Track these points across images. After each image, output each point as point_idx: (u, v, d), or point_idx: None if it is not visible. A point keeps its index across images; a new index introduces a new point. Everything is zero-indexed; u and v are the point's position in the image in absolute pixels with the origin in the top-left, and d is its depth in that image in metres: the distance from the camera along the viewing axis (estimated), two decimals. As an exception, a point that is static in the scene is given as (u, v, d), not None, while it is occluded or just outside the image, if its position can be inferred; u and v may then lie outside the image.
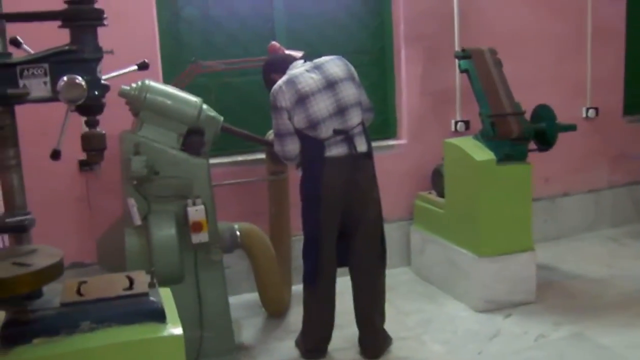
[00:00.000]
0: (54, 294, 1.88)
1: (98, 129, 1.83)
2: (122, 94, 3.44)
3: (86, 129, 1.81)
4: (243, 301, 4.26)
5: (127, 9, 4.10)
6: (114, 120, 3.50)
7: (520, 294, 4.11)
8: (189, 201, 3.41)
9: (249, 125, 4.11)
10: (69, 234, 4.17)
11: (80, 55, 1.74)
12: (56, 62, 1.74)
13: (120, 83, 3.40)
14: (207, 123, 3.54)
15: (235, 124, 3.91)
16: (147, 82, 3.47)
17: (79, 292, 1.85)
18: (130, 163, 3.31)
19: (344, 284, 3.50)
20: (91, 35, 1.75)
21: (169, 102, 3.48)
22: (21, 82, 1.73)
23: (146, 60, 2.01)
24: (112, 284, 1.90)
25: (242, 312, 4.14)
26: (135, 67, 2.01)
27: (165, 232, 3.39)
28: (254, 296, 4.11)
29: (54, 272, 1.62)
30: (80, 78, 1.71)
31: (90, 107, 1.78)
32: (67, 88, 1.71)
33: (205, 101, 3.60)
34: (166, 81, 4.10)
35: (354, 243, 3.38)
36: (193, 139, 3.52)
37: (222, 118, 3.60)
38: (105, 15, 1.79)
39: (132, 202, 3.38)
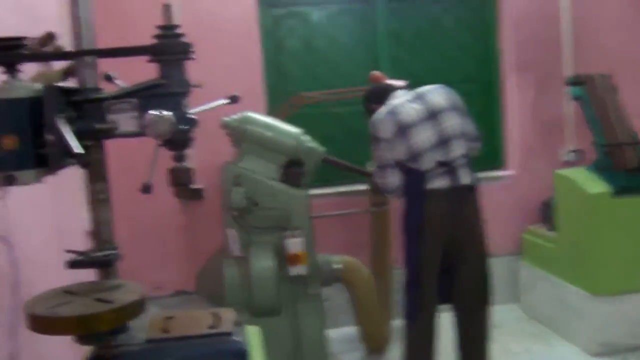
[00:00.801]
0: (140, 328, 1.83)
1: (185, 164, 1.77)
2: (224, 126, 3.44)
3: (175, 164, 1.76)
4: (342, 335, 4.12)
5: (234, 42, 4.14)
6: (218, 150, 3.57)
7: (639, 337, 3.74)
8: (288, 233, 3.34)
9: (352, 156, 4.00)
10: (172, 262, 4.20)
11: (167, 90, 1.69)
12: (144, 96, 1.70)
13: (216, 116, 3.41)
14: (307, 154, 3.48)
15: (339, 154, 3.82)
16: (248, 113, 3.45)
17: (164, 329, 1.78)
18: (230, 194, 3.29)
19: (445, 322, 3.30)
20: (179, 69, 1.70)
21: (269, 133, 3.44)
22: (109, 117, 1.71)
23: (236, 94, 1.93)
24: (197, 321, 1.82)
25: (340, 346, 4.00)
26: (227, 101, 1.94)
27: (264, 263, 3.33)
28: (354, 330, 3.96)
29: (135, 309, 1.56)
30: (167, 113, 1.66)
31: (177, 141, 1.72)
32: (155, 123, 1.67)
33: (308, 132, 3.54)
34: (270, 112, 4.09)
35: (458, 279, 3.17)
36: (292, 170, 3.46)
37: (322, 149, 3.52)
38: (192, 49, 1.73)
39: (232, 232, 3.35)
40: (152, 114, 1.67)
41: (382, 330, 3.86)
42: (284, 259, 3.31)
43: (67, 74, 2.87)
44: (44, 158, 1.63)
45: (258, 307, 3.34)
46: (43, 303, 1.55)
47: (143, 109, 1.69)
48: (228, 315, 1.87)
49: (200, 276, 3.59)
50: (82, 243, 3.54)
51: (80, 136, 1.69)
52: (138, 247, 4.15)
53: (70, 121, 1.68)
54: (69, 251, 1.73)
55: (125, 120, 1.71)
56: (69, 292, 1.64)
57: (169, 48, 1.69)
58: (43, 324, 1.47)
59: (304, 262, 3.31)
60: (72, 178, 3.44)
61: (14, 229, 2.47)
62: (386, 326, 3.91)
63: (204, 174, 4.11)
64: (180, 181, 1.75)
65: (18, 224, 2.53)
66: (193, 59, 1.74)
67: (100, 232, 1.76)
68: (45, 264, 2.97)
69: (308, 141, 3.50)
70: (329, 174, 4.16)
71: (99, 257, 1.70)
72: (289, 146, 3.44)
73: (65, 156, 1.63)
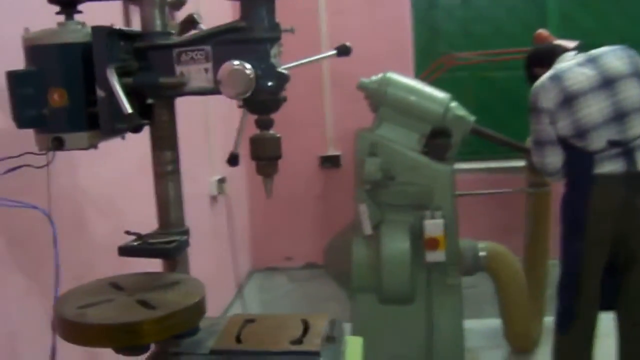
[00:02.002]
0: (213, 331, 1.45)
1: (272, 132, 1.34)
2: (361, 87, 2.98)
3: (257, 132, 1.33)
4: (485, 327, 3.55)
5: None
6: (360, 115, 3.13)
7: None
8: (427, 213, 2.83)
9: (509, 128, 3.38)
10: (306, 233, 3.85)
11: (248, 35, 1.26)
12: (220, 43, 1.29)
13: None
14: (455, 123, 2.92)
15: (494, 125, 3.22)
16: (389, 74, 2.96)
17: (238, 337, 1.39)
18: (363, 165, 2.84)
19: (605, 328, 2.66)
20: (265, 9, 1.26)
21: (412, 98, 2.93)
22: (178, 69, 1.31)
23: (347, 44, 1.46)
24: (280, 331, 1.40)
25: (481, 340, 3.44)
26: (333, 52, 1.47)
27: (397, 245, 2.86)
28: (498, 323, 3.38)
29: (185, 319, 1.16)
30: (247, 65, 1.22)
31: (261, 102, 1.29)
32: (228, 77, 1.25)
33: (460, 98, 2.99)
34: (418, 74, 3.57)
35: (627, 284, 2.52)
36: (437, 141, 2.93)
37: (472, 118, 2.95)
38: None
39: (363, 208, 2.90)
40: (226, 66, 1.25)
41: (530, 329, 3.26)
42: (421, 242, 2.82)
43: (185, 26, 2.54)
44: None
45: (388, 293, 2.90)
46: (76, 300, 1.20)
47: (218, 59, 1.27)
48: (319, 325, 1.43)
49: (328, 251, 3.19)
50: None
51: (141, 92, 1.32)
52: (271, 214, 3.85)
53: (130, 73, 1.30)
54: (127, 232, 1.36)
55: (197, 73, 1.30)
56: (115, 285, 1.28)
57: (249, -21, 1.25)
58: (68, 329, 1.12)
59: (442, 247, 2.80)
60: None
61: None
62: (535, 324, 3.30)
63: (342, 141, 3.73)
64: (261, 154, 1.32)
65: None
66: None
67: (168, 211, 1.38)
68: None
69: (457, 108, 2.94)
70: (478, 146, 3.56)
71: (157, 245, 1.32)
72: (434, 113, 2.91)
73: (117, 117, 1.26)
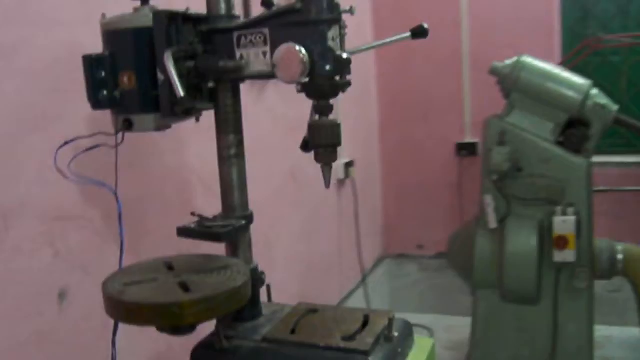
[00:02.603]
0: (277, 316, 1.43)
1: (331, 118, 1.27)
2: (493, 71, 2.79)
3: (317, 118, 1.27)
4: (628, 337, 3.21)
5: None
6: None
7: None
8: (558, 209, 2.59)
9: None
10: (439, 221, 3.72)
11: (305, 17, 1.20)
12: (278, 26, 1.24)
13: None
14: (595, 113, 2.63)
15: (638, 116, 2.88)
16: (523, 57, 2.74)
17: (294, 327, 1.35)
18: (491, 154, 2.66)
19: None
20: None
21: (548, 84, 2.68)
22: (238, 53, 1.28)
23: (424, 25, 1.34)
24: (337, 325, 1.35)
25: (620, 351, 3.11)
26: (409, 34, 1.37)
27: (522, 241, 2.65)
28: (642, 333, 3.05)
29: (221, 303, 1.13)
30: (301, 48, 1.17)
31: (318, 87, 1.23)
32: (282, 61, 1.20)
33: (600, 85, 2.70)
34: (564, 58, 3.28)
35: None
36: (573, 131, 2.67)
37: (615, 107, 2.65)
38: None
39: (488, 200, 2.73)
40: (280, 49, 1.20)
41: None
42: (549, 239, 2.59)
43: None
44: (165, 101, 1.29)
45: (510, 291, 2.70)
46: (126, 277, 1.23)
47: (275, 42, 1.22)
48: (381, 323, 1.35)
49: (452, 242, 3.05)
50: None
51: (202, 76, 1.31)
52: (404, 201, 3.77)
53: (195, 57, 1.30)
54: (193, 214, 1.37)
55: (256, 57, 1.27)
56: (169, 265, 1.29)
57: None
58: (108, 304, 1.15)
59: (572, 246, 2.55)
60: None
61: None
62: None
63: (480, 128, 3.52)
64: (318, 141, 1.26)
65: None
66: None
67: (228, 196, 1.37)
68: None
69: (597, 96, 2.65)
70: (620, 138, 3.19)
71: (211, 228, 1.31)
72: (572, 101, 2.64)
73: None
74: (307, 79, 1.22)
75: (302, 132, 2.78)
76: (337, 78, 1.25)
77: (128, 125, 1.33)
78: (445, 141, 3.64)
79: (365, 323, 1.35)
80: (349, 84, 1.27)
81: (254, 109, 2.52)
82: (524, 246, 2.64)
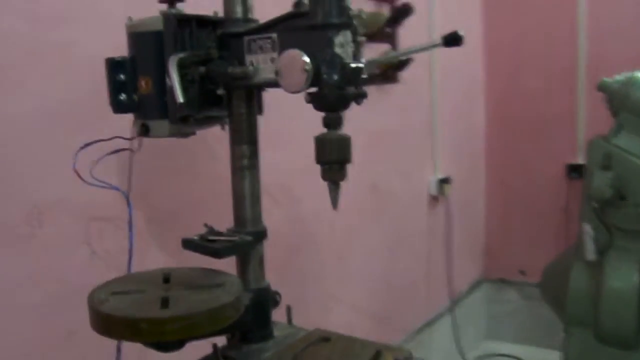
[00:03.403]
0: (287, 341, 1.33)
1: (340, 132, 1.15)
2: (601, 88, 2.50)
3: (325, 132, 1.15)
4: None
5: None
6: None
7: None
8: (666, 243, 2.28)
9: None
10: (544, 247, 3.41)
11: (311, 21, 1.09)
12: (285, 30, 1.14)
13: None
14: None
15: None
16: (636, 74, 2.43)
17: (300, 354, 1.24)
18: (592, 179, 2.39)
19: None
20: None
21: (663, 104, 2.37)
22: (248, 59, 1.20)
23: (459, 32, 1.19)
24: (344, 357, 1.23)
25: None
26: (440, 42, 1.21)
27: (623, 277, 2.35)
28: None
29: (196, 325, 1.05)
30: (303, 54, 1.07)
31: (324, 98, 1.12)
32: (284, 69, 1.10)
33: None
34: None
35: None
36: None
37: None
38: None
39: (587, 229, 2.45)
40: (283, 56, 1.11)
41: None
42: (654, 277, 2.29)
43: (395, 17, 2.40)
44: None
45: (607, 332, 2.41)
46: (117, 285, 1.19)
47: (282, 49, 1.13)
48: (390, 361, 1.21)
49: (546, 272, 2.78)
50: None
51: (213, 82, 1.25)
52: (508, 223, 3.51)
53: (206, 62, 1.24)
54: (206, 225, 1.31)
55: (264, 63, 1.18)
56: (166, 277, 1.23)
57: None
58: (90, 314, 1.10)
59: (680, 288, 2.23)
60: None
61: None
62: None
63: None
64: (323, 156, 1.14)
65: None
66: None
67: (239, 209, 1.29)
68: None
69: None
70: None
71: (213, 242, 1.23)
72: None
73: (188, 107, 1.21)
74: (314, 89, 1.11)
75: (385, 144, 2.67)
76: (350, 88, 1.12)
77: (145, 131, 1.29)
78: (555, 161, 3.34)
79: (375, 359, 1.22)
80: (363, 95, 1.14)
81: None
82: (624, 282, 2.35)
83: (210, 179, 1.91)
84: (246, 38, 1.19)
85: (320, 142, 1.14)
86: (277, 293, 1.35)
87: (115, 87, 1.29)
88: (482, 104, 3.62)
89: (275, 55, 1.15)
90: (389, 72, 2.68)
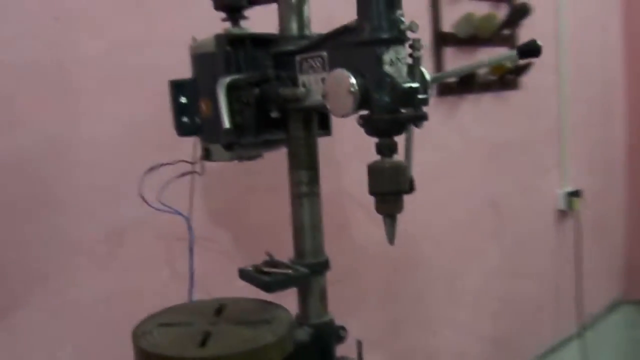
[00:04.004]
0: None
1: (395, 159, 1.02)
2: None
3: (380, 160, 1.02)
4: None
5: None
6: None
7: None
8: None
9: None
10: None
11: (359, 37, 0.97)
12: (335, 48, 1.03)
13: None
14: None
15: None
16: None
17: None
18: None
19: None
20: (384, 3, 0.95)
21: None
22: (300, 79, 1.10)
23: (537, 42, 1.02)
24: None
25: None
26: (514, 53, 1.04)
27: None
28: None
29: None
30: (349, 75, 0.96)
31: (374, 122, 1.00)
32: (330, 90, 1.00)
33: None
34: None
35: None
36: None
37: None
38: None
39: None
40: (329, 76, 1.01)
41: None
42: None
43: (511, 19, 2.20)
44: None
45: None
46: (168, 316, 1.15)
47: (332, 67, 1.03)
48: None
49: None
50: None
51: (267, 105, 1.17)
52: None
53: (261, 83, 1.16)
54: (267, 253, 1.24)
55: (316, 84, 1.09)
56: (220, 308, 1.17)
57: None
58: (133, 348, 1.07)
59: None
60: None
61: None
62: None
63: None
64: (375, 187, 1.02)
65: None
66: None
67: (299, 239, 1.20)
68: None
69: None
70: None
71: (267, 275, 1.15)
72: None
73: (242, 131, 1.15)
74: (365, 111, 1.00)
75: (505, 156, 2.46)
76: (408, 110, 0.99)
77: (207, 155, 1.25)
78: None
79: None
80: (421, 117, 1.00)
81: (442, 129, 2.28)
82: None
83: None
84: (298, 57, 1.10)
85: (372, 171, 1.02)
86: (341, 327, 1.24)
87: (178, 110, 1.26)
88: (622, 110, 3.25)
89: (325, 75, 1.05)
90: (507, 77, 2.46)
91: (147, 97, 1.49)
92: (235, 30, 1.19)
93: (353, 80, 0.96)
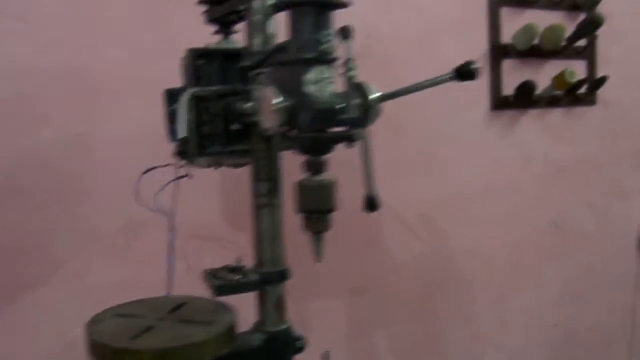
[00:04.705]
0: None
1: (323, 178, 1.02)
2: None
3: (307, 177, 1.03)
4: None
5: None
6: None
7: None
8: None
9: None
10: None
11: (285, 55, 0.99)
12: (274, 65, 1.04)
13: None
14: None
15: None
16: None
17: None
18: None
19: None
20: (309, 23, 0.96)
21: None
22: (255, 95, 1.13)
23: (473, 64, 0.98)
24: None
25: None
26: (448, 75, 1.01)
27: None
28: None
29: (164, 358, 1.04)
30: (274, 93, 0.98)
31: (300, 140, 1.01)
32: (259, 107, 1.02)
33: None
34: None
35: None
36: None
37: None
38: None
39: None
40: (258, 94, 1.05)
41: None
42: None
43: (580, 31, 2.10)
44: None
45: None
46: (128, 308, 1.23)
47: (273, 84, 1.06)
48: None
49: None
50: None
51: (230, 118, 1.22)
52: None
53: (228, 95, 1.21)
54: (238, 259, 1.29)
55: (267, 99, 1.12)
56: (179, 304, 1.24)
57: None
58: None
59: None
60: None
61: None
62: None
63: None
64: (303, 204, 1.04)
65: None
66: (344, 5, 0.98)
67: (262, 247, 1.24)
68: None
69: None
70: None
71: (219, 279, 1.20)
72: None
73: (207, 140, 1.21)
74: (293, 130, 1.02)
75: (574, 174, 2.31)
76: (337, 130, 1.00)
77: (191, 160, 1.32)
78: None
79: None
80: (350, 138, 1.00)
81: (499, 143, 2.21)
82: None
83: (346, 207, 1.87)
84: (253, 72, 1.14)
85: (298, 188, 1.04)
86: (299, 338, 1.26)
87: (169, 117, 1.34)
88: None
89: (271, 92, 1.08)
90: (579, 93, 2.32)
91: (163, 101, 1.59)
92: (212, 45, 1.25)
93: (276, 100, 0.98)
